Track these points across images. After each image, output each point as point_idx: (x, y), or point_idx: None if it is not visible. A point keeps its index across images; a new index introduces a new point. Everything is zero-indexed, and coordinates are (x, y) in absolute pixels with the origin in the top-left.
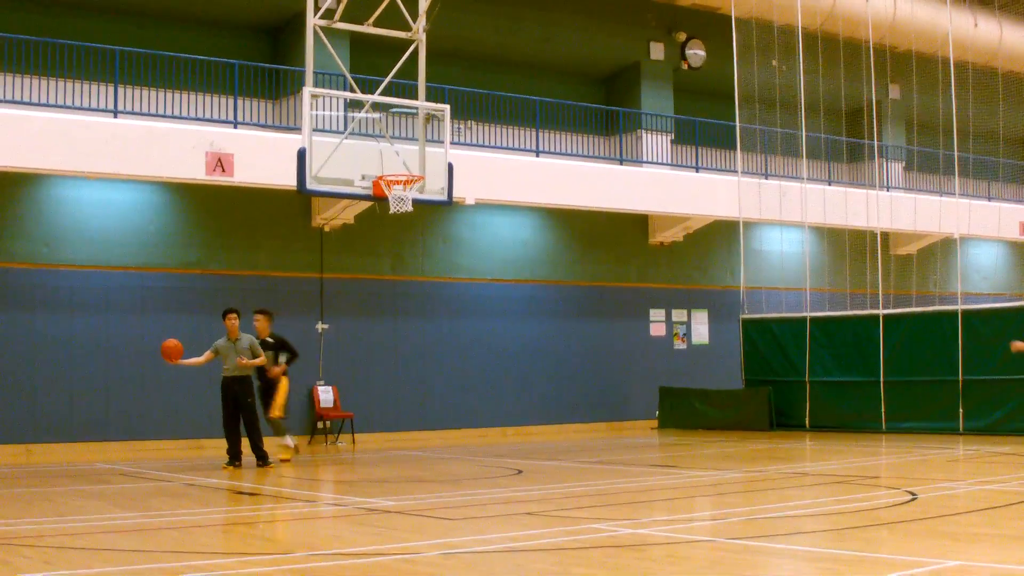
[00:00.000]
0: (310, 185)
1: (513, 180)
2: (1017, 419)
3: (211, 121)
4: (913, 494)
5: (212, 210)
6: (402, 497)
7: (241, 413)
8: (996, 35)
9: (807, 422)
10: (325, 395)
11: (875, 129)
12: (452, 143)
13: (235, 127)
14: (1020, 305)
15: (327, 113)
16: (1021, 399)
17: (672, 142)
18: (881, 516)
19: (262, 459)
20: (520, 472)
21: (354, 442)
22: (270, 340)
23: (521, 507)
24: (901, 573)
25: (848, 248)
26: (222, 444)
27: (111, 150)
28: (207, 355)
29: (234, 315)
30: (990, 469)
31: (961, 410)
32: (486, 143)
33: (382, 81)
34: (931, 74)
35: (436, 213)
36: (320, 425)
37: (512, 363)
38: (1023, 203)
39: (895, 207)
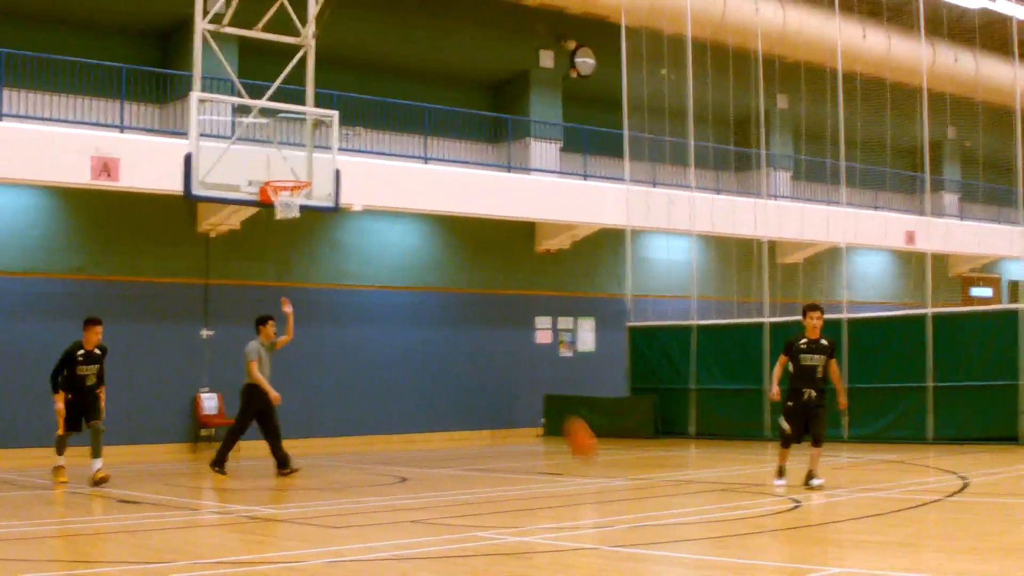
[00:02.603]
0: (197, 190)
1: (401, 187)
2: (900, 427)
3: (98, 125)
4: (796, 501)
5: (98, 215)
6: (286, 505)
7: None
8: (884, 46)
9: (692, 430)
10: (209, 402)
11: (763, 138)
12: (340, 149)
13: (122, 131)
14: (906, 314)
15: (215, 118)
16: (904, 407)
17: (561, 150)
18: (765, 523)
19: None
20: (405, 480)
21: (238, 450)
22: (97, 352)
23: (406, 515)
24: None
25: (735, 256)
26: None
27: None
28: None
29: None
30: (873, 476)
31: (846, 418)
32: (374, 149)
33: (270, 86)
34: (819, 84)
35: (323, 219)
36: (204, 433)
37: (398, 370)
38: (909, 213)
39: (782, 216)
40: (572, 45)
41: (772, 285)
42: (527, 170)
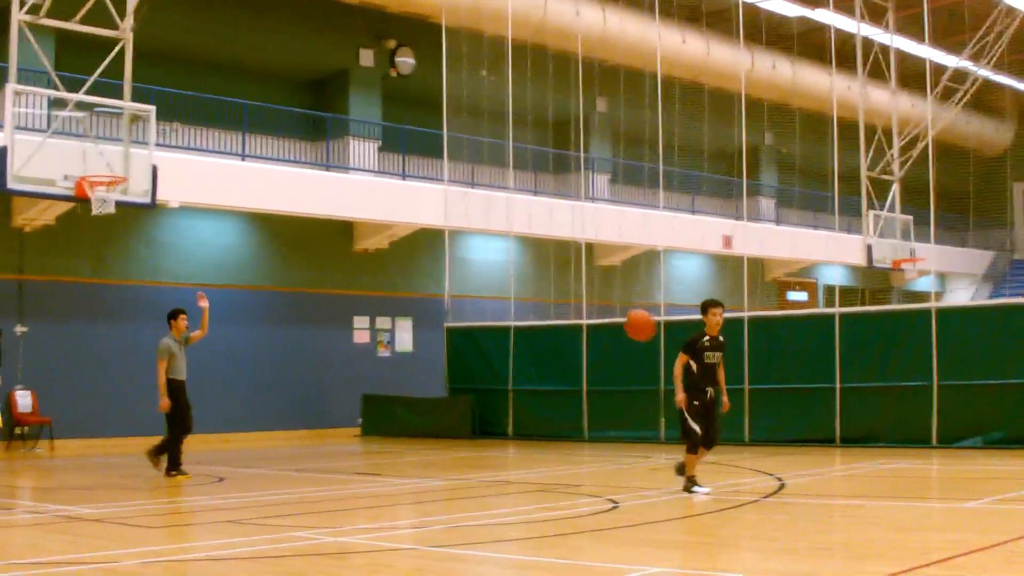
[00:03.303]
0: (11, 184)
1: (218, 184)
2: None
3: None
4: (615, 502)
5: None
6: (102, 504)
7: None
8: (704, 52)
9: (510, 430)
10: (23, 400)
11: (582, 141)
12: (158, 145)
13: None
14: (731, 316)
15: (31, 111)
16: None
17: (380, 149)
18: (583, 524)
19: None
20: (222, 479)
21: (52, 448)
22: None
23: (223, 515)
24: None
25: (553, 258)
26: None
27: None
28: None
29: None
30: None
31: (663, 419)
32: (193, 146)
33: (88, 80)
34: (639, 88)
35: (140, 216)
36: (17, 431)
37: (214, 369)
38: (727, 217)
39: (600, 218)
40: (392, 44)
41: (589, 287)
42: (345, 169)
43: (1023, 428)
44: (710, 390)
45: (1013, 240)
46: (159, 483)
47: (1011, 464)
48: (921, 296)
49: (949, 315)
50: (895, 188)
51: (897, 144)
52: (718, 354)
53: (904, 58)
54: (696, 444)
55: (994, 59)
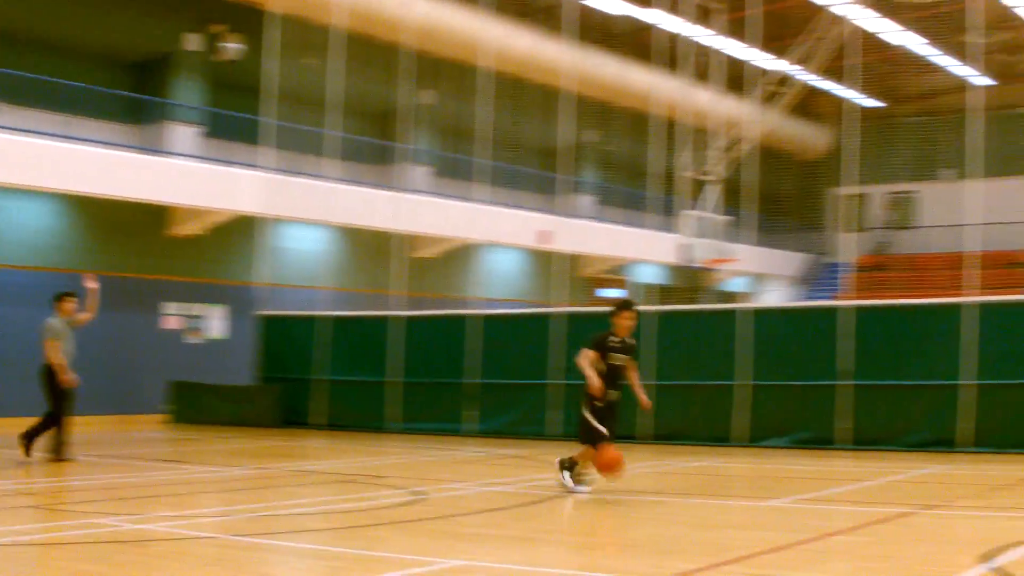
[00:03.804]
0: None
1: (34, 164)
2: (525, 423)
3: None
4: (420, 494)
5: None
6: None
7: None
8: (532, 47)
9: (320, 420)
10: None
11: (406, 132)
12: None
13: None
14: (537, 312)
15: None
16: (529, 403)
17: (204, 135)
18: (387, 515)
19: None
20: (24, 464)
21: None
22: None
23: (24, 500)
24: (403, 571)
25: (371, 249)
26: None
27: None
28: None
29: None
30: (496, 471)
31: (476, 412)
32: (9, 125)
33: None
34: (466, 81)
35: None
36: None
37: (23, 352)
38: (546, 212)
39: (420, 210)
40: (218, 29)
41: (407, 278)
42: (166, 153)
43: (828, 428)
44: (612, 392)
45: (828, 244)
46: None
47: (815, 464)
48: (734, 296)
49: (760, 316)
50: (715, 189)
51: (719, 145)
52: (625, 356)
53: (730, 61)
54: (598, 441)
55: (816, 64)
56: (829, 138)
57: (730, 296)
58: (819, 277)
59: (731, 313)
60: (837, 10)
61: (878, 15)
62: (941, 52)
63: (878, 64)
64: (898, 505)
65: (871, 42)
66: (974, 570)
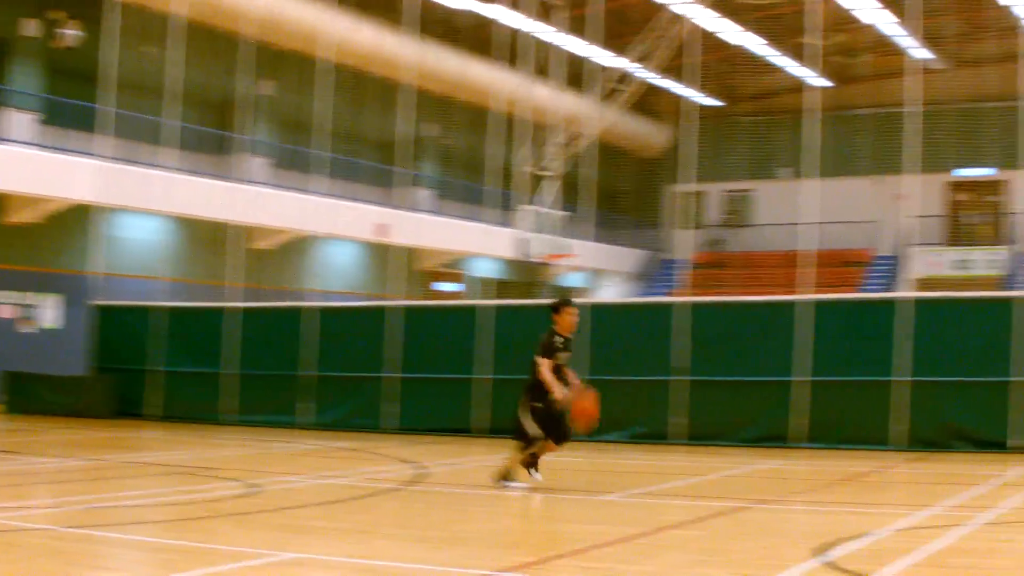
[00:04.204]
0: None
1: None
2: (361, 415)
3: None
4: (256, 486)
5: None
6: None
7: None
8: (375, 41)
9: (156, 411)
10: None
11: (245, 123)
12: None
13: None
14: (373, 305)
15: None
16: (364, 396)
17: (39, 121)
18: (222, 507)
19: None
20: None
21: None
22: None
23: None
24: (238, 564)
25: (208, 239)
26: None
27: None
28: None
29: None
30: (332, 464)
31: (312, 404)
32: None
33: None
34: (308, 73)
35: None
36: None
37: None
38: (385, 206)
39: (258, 202)
40: (57, 15)
41: (244, 270)
42: (2, 140)
43: (663, 423)
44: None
45: (665, 241)
46: None
47: (650, 458)
48: (571, 291)
49: (596, 311)
50: (553, 184)
51: (557, 141)
52: (568, 355)
53: (570, 57)
54: (534, 443)
55: (657, 63)
56: (667, 136)
57: (568, 291)
58: (656, 273)
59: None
60: (677, 9)
61: (717, 15)
62: (779, 53)
63: (717, 63)
64: (732, 500)
65: (710, 41)
66: (807, 564)
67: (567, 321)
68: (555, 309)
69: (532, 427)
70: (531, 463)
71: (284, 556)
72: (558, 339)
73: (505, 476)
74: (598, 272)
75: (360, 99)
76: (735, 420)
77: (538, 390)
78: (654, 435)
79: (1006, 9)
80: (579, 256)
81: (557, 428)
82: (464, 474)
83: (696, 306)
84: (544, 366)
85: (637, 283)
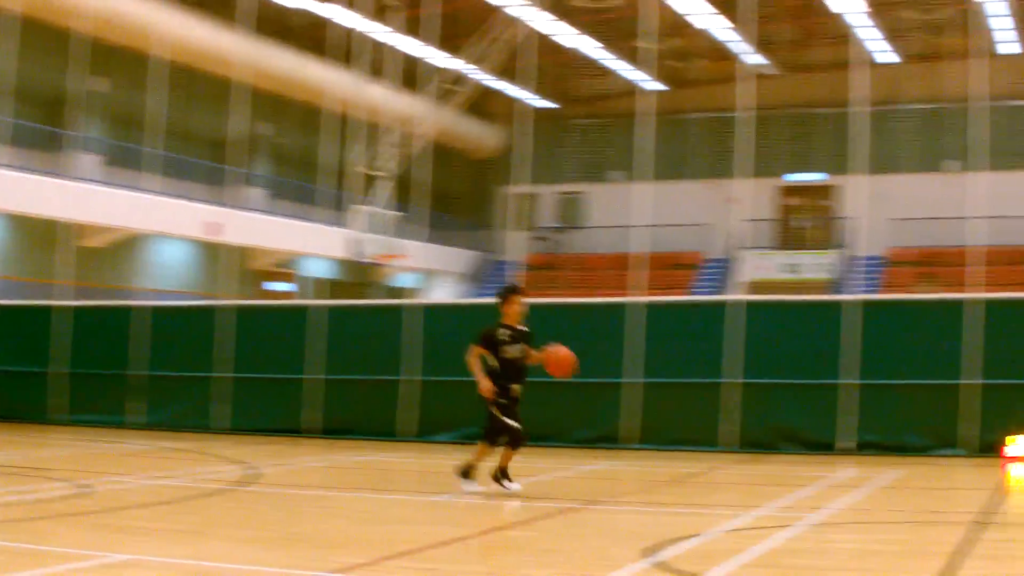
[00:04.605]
0: None
1: None
2: (192, 416)
3: None
4: (86, 487)
5: None
6: None
7: None
8: (210, 39)
9: None
10: None
11: (76, 120)
12: None
13: None
14: (204, 304)
15: None
16: (195, 396)
17: None
18: (52, 508)
19: None
20: None
21: None
22: None
23: None
24: (68, 565)
25: (38, 237)
26: None
27: None
28: None
29: None
30: (163, 464)
31: (142, 404)
32: None
33: None
34: (141, 70)
35: None
36: None
37: None
38: (217, 204)
39: (89, 199)
40: None
41: (74, 268)
42: None
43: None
44: (515, 387)
45: (498, 242)
46: None
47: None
48: (404, 292)
49: (429, 311)
50: (386, 185)
51: (391, 142)
52: (520, 347)
53: (405, 58)
54: (518, 440)
55: (491, 64)
56: (501, 137)
57: (400, 292)
58: (489, 274)
59: (399, 309)
60: (512, 11)
61: (553, 18)
62: (613, 56)
63: (551, 66)
64: (564, 500)
65: (545, 44)
66: (638, 564)
67: (513, 311)
68: (502, 298)
69: (501, 422)
70: (503, 474)
71: (116, 557)
72: (503, 331)
73: (469, 476)
74: (431, 273)
75: (193, 97)
76: (567, 421)
77: (497, 384)
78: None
79: (838, 17)
80: (411, 257)
81: (511, 429)
82: (295, 475)
83: (529, 307)
84: (471, 353)
85: (470, 284)
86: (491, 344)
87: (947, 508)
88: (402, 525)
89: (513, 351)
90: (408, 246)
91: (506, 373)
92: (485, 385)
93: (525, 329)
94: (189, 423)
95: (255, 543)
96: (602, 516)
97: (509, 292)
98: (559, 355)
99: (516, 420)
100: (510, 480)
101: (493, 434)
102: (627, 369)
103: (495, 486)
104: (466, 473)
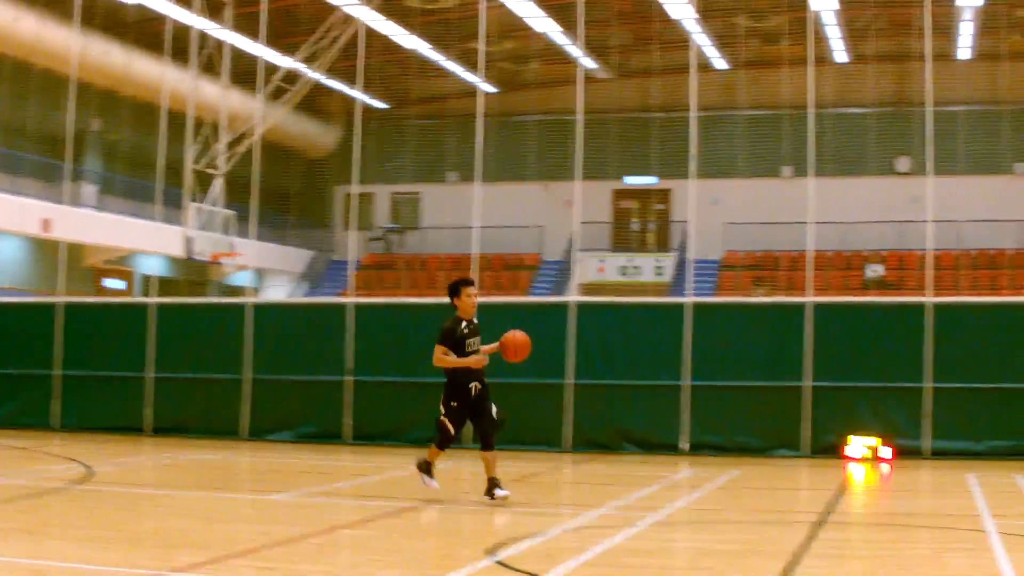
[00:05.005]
0: None
1: None
2: (29, 414)
3: None
4: None
5: None
6: None
7: None
8: (36, 32)
9: None
10: None
11: None
12: None
13: None
14: (39, 301)
15: None
16: (32, 394)
17: None
18: None
19: None
20: None
21: None
22: None
23: None
24: None
25: None
26: None
27: None
28: None
29: None
30: None
31: None
32: None
33: None
34: None
35: None
36: None
37: None
38: (48, 200)
39: None
40: None
41: None
42: None
43: (334, 423)
44: (475, 385)
45: (332, 241)
46: None
47: (321, 458)
48: (239, 291)
49: (262, 311)
50: (221, 182)
51: (226, 140)
52: (478, 340)
53: (239, 55)
54: (447, 441)
55: (326, 63)
56: (336, 136)
57: (235, 290)
58: (324, 274)
59: (236, 308)
60: (348, 10)
61: (389, 18)
62: (449, 58)
63: (387, 66)
64: (404, 500)
65: (380, 44)
66: (479, 564)
67: (469, 303)
68: (454, 292)
69: (450, 427)
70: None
71: None
72: (462, 325)
73: (426, 468)
74: (265, 272)
75: (23, 91)
76: (403, 420)
77: (453, 388)
78: (324, 435)
79: (673, 23)
80: (246, 255)
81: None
82: (134, 473)
83: (363, 307)
84: (438, 353)
85: (305, 283)
86: (454, 340)
87: (786, 508)
88: (242, 524)
89: (473, 344)
90: (243, 245)
91: (468, 368)
92: (473, 359)
93: (476, 322)
94: (26, 421)
95: (94, 542)
96: (443, 515)
97: (460, 285)
98: (516, 340)
99: (487, 413)
100: (499, 486)
101: (443, 437)
102: None
103: (426, 478)
104: (428, 468)
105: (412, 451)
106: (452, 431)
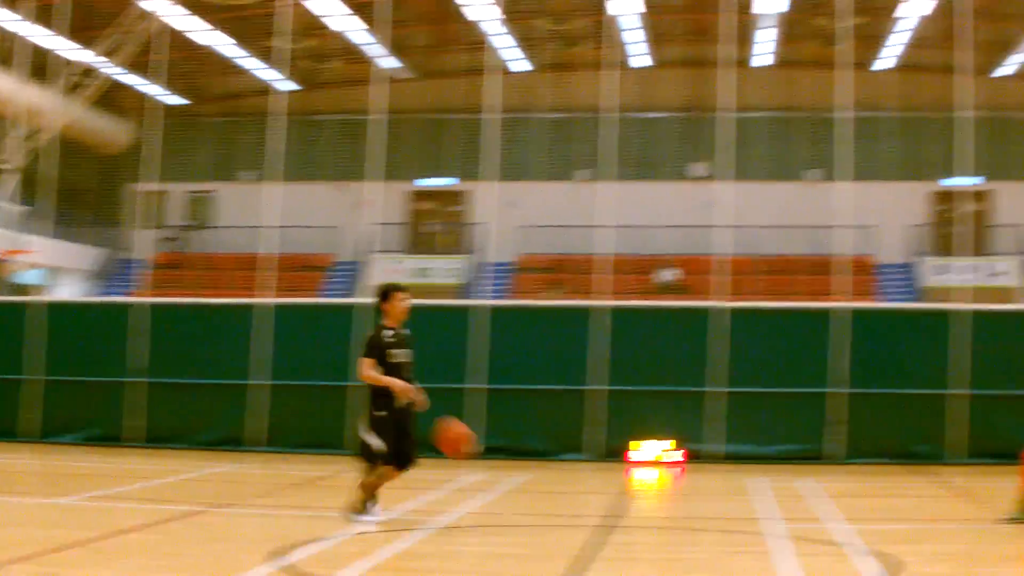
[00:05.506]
0: None
1: None
2: None
3: None
4: None
5: None
6: None
7: None
8: None
9: None
10: None
11: None
12: None
13: None
14: None
15: None
16: None
17: None
18: None
19: None
20: None
21: None
22: None
23: None
24: None
25: None
26: None
27: None
28: None
29: None
30: None
31: None
32: None
33: None
34: None
35: None
36: None
37: None
38: None
39: None
40: None
41: None
42: None
43: (118, 425)
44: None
45: (124, 239)
46: None
47: (105, 461)
48: (29, 289)
49: (53, 309)
50: (12, 178)
51: (18, 134)
52: (406, 351)
53: (35, 48)
54: (383, 461)
55: (125, 58)
56: (131, 133)
57: (25, 289)
58: (115, 273)
59: (20, 306)
60: (146, 5)
61: (187, 13)
62: (247, 54)
63: (184, 62)
64: (188, 503)
65: (178, 39)
66: (263, 567)
67: (398, 309)
68: (383, 297)
69: (376, 441)
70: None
71: None
72: (387, 333)
73: (358, 509)
74: (56, 270)
75: None
76: (192, 423)
77: (378, 397)
78: (110, 437)
79: (473, 24)
80: (37, 253)
81: (397, 447)
82: None
83: (155, 307)
84: (365, 366)
85: (96, 282)
86: (379, 351)
87: (573, 512)
88: (23, 528)
89: (399, 355)
90: (33, 242)
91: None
92: (399, 385)
93: (406, 332)
94: None
95: None
96: (227, 519)
97: (391, 290)
98: (451, 433)
99: (397, 439)
100: (364, 512)
101: (371, 457)
102: (253, 371)
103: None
104: (360, 504)
105: (203, 454)
106: (387, 448)
